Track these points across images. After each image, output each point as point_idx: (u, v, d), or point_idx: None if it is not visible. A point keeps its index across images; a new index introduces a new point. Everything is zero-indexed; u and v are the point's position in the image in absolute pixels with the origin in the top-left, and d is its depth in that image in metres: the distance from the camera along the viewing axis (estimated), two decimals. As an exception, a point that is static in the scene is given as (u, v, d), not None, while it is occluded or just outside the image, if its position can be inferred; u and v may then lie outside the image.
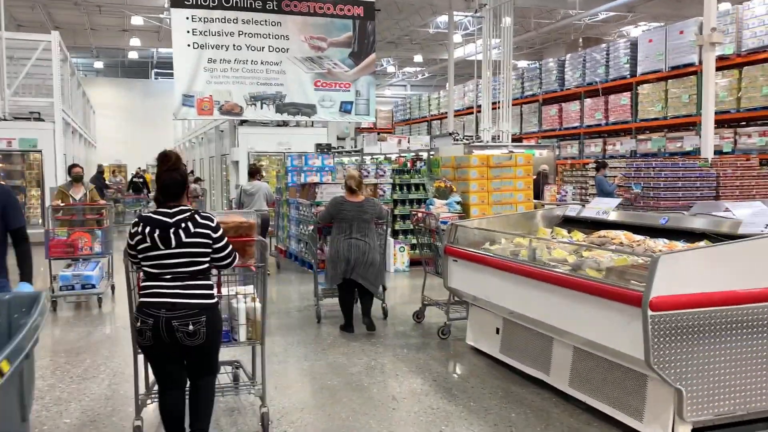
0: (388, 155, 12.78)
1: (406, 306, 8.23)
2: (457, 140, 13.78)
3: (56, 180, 14.81)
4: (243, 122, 16.62)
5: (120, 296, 8.71)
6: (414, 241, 10.98)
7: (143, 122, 34.11)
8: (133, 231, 3.52)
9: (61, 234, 8.05)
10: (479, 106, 23.89)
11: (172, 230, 3.45)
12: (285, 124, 17.01)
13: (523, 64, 29.21)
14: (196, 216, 3.54)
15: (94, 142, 30.81)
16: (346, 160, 12.17)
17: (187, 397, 3.76)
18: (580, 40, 23.59)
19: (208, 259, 3.58)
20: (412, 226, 8.78)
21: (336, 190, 10.02)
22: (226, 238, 3.65)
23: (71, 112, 18.91)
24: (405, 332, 6.92)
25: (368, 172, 10.85)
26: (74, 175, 9.10)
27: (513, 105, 18.82)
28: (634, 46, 18.21)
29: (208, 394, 3.71)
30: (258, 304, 4.15)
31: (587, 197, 15.89)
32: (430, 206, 7.00)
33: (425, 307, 7.27)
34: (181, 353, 3.55)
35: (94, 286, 8.15)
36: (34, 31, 19.63)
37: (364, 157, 12.89)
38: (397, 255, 10.68)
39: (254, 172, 11.34)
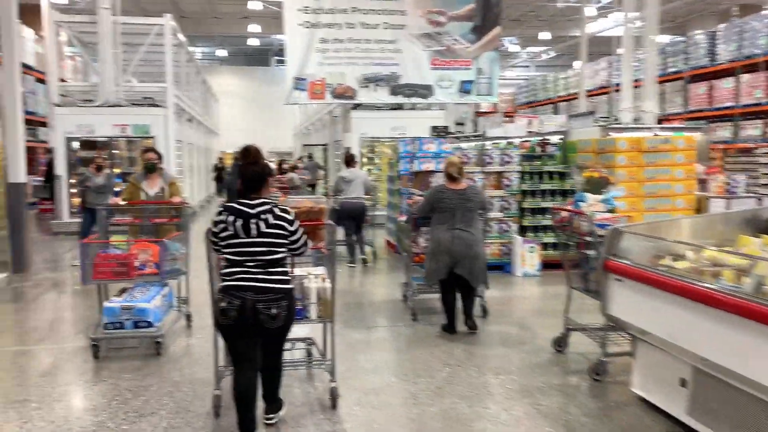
0: (512, 139, 11.06)
1: (539, 323, 6.62)
2: (602, 120, 11.79)
3: (168, 166, 14.35)
4: (356, 107, 15.46)
5: (199, 329, 6.27)
6: (546, 239, 9.26)
7: (264, 110, 34.18)
8: (218, 219, 3.73)
9: (119, 246, 5.69)
10: (616, 85, 21.44)
11: (252, 221, 3.66)
12: (399, 107, 15.66)
13: (663, 39, 26.02)
14: (275, 209, 3.73)
15: (216, 130, 31.13)
16: (465, 145, 10.60)
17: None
18: (734, 8, 20.44)
19: (284, 249, 3.79)
20: (553, 226, 7.13)
21: (455, 180, 8.56)
22: (300, 230, 3.84)
23: (188, 99, 18.61)
24: (541, 365, 5.32)
25: (491, 159, 9.22)
26: (146, 162, 6.63)
27: (635, 87, 16.57)
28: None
29: (278, 367, 4.01)
30: (328, 285, 4.32)
31: (761, 188, 13.30)
32: (580, 203, 5.33)
33: (569, 332, 5.62)
34: (259, 333, 3.75)
35: (150, 324, 5.47)
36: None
37: (485, 142, 11.25)
38: (526, 256, 9.00)
39: (350, 160, 10.51)
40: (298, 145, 29.16)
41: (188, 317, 6.42)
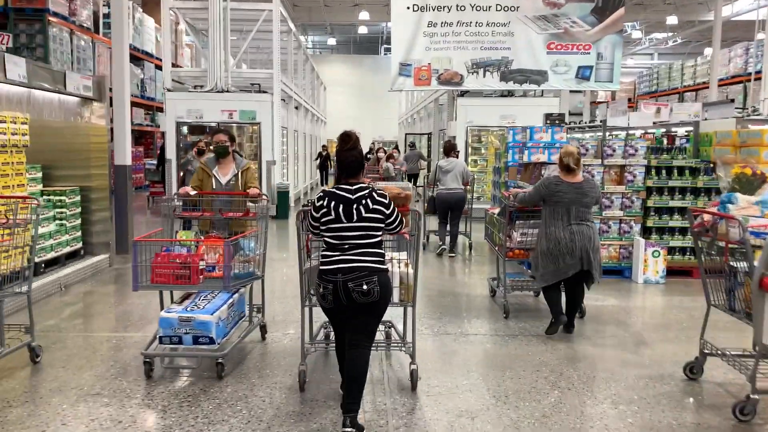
0: (633, 130, 9.92)
1: (663, 340, 5.72)
2: (737, 111, 10.35)
3: (272, 152, 14.31)
4: (463, 93, 14.72)
5: (276, 348, 5.37)
6: (673, 243, 8.20)
7: (371, 98, 34.02)
8: (318, 204, 3.77)
9: (185, 244, 4.76)
10: (757, 72, 19.40)
11: (354, 206, 3.70)
12: (510, 94, 14.76)
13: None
14: (374, 194, 3.77)
15: (323, 117, 31.29)
16: (579, 136, 9.62)
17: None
18: None
19: (380, 232, 3.84)
20: (692, 231, 6.24)
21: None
22: (396, 211, 3.88)
23: (295, 86, 18.58)
24: (670, 396, 4.46)
25: (612, 151, 8.24)
26: (217, 146, 5.51)
27: None
28: None
29: (359, 366, 3.76)
30: (410, 270, 4.39)
31: None
32: (729, 205, 4.40)
33: (705, 357, 4.71)
34: (357, 312, 3.76)
35: (212, 341, 4.56)
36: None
37: (605, 133, 10.19)
38: (649, 261, 7.98)
39: (449, 149, 10.10)
40: (402, 134, 28.74)
41: (263, 329, 5.56)
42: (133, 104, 20.15)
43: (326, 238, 3.78)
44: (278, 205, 14.15)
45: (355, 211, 3.69)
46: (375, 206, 3.73)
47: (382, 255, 3.83)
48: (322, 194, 3.80)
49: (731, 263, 4.33)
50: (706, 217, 4.59)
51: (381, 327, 4.89)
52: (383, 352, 5.14)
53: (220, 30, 13.88)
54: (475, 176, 11.15)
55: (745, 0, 25.49)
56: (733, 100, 11.68)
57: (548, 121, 9.94)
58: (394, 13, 14.13)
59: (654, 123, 9.35)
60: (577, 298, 5.82)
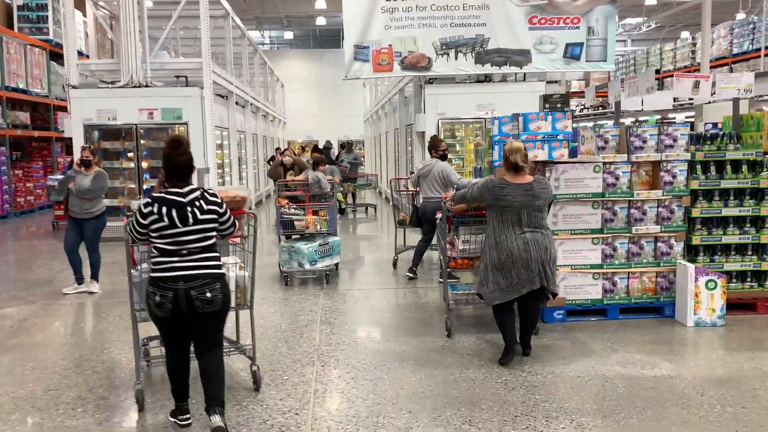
0: (660, 114, 7.59)
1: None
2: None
3: (205, 158, 11.67)
4: (431, 81, 12.23)
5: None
6: (730, 266, 5.83)
7: (333, 94, 31.39)
8: (146, 211, 3.61)
9: None
10: (756, 50, 17.41)
11: (188, 209, 3.60)
12: (487, 79, 12.31)
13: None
14: (206, 194, 3.70)
15: (282, 117, 28.60)
16: (590, 124, 7.23)
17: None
18: None
19: (215, 233, 3.77)
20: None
21: (584, 175, 5.34)
22: (229, 213, 3.84)
23: (239, 81, 15.91)
24: None
25: (643, 142, 5.82)
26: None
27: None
28: None
29: (216, 367, 3.75)
30: (245, 272, 4.39)
31: None
32: None
33: None
34: (196, 322, 3.66)
35: None
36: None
37: (626, 120, 7.82)
38: (702, 295, 5.58)
39: (431, 147, 7.80)
40: (369, 132, 26.19)
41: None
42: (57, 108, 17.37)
43: (160, 245, 3.63)
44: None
45: (189, 215, 3.61)
46: (209, 207, 3.68)
47: (219, 258, 3.79)
48: (149, 200, 3.64)
49: None
50: None
51: None
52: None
53: (133, 11, 11.20)
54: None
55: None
56: None
57: (547, 106, 7.57)
58: (344, -14, 11.60)
59: (696, 99, 6.99)
60: (533, 317, 5.03)
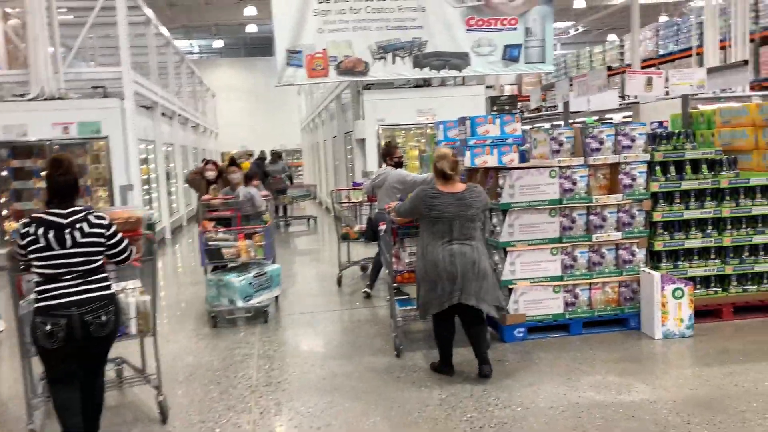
0: (597, 115, 7.28)
1: None
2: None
3: (127, 175, 10.75)
4: (369, 86, 11.69)
5: None
6: (694, 271, 5.50)
7: (268, 104, 30.43)
8: (23, 231, 3.41)
9: None
10: (689, 50, 17.68)
11: (67, 231, 3.41)
12: (426, 84, 11.86)
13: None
14: (90, 216, 3.50)
15: (214, 129, 27.50)
16: (543, 126, 6.82)
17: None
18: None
19: (101, 256, 3.55)
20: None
21: (539, 181, 4.89)
22: (120, 234, 3.63)
23: (164, 91, 14.96)
24: None
25: (600, 143, 5.42)
26: None
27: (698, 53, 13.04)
28: None
29: (101, 395, 3.72)
30: (147, 297, 4.13)
31: None
32: None
33: None
34: (88, 348, 3.49)
35: None
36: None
37: (571, 119, 7.46)
38: (669, 304, 5.20)
39: (386, 154, 7.22)
40: (307, 141, 25.48)
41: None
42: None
43: (41, 270, 3.39)
44: (141, 242, 10.58)
45: (68, 237, 3.38)
46: (92, 230, 3.46)
47: (108, 279, 3.59)
48: (28, 220, 3.45)
49: None
50: None
51: (110, 365, 4.35)
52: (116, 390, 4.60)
53: (41, 17, 10.20)
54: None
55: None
56: (746, 62, 9.28)
57: (495, 108, 7.13)
58: (274, -12, 10.92)
59: (649, 95, 6.68)
60: (476, 334, 4.63)
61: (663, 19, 24.30)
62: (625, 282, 5.52)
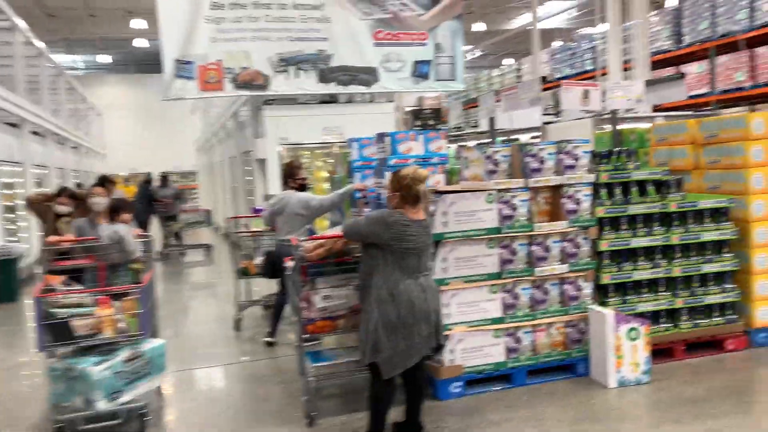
0: (531, 131, 6.64)
1: None
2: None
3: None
4: (270, 101, 10.59)
5: None
6: (644, 304, 4.86)
7: (161, 122, 28.41)
8: None
9: None
10: (583, 73, 17.93)
11: None
12: (333, 100, 10.91)
13: (601, 28, 22.67)
14: None
15: (100, 150, 25.23)
16: (471, 144, 6.06)
17: None
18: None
19: None
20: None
21: (475, 206, 4.04)
22: None
23: (35, 107, 13.10)
24: None
25: (541, 163, 4.67)
26: None
27: (603, 74, 13.18)
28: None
29: None
30: None
31: None
32: None
33: None
34: None
35: None
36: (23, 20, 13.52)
37: (497, 139, 6.72)
38: (624, 347, 4.48)
39: (287, 175, 6.14)
40: (203, 162, 23.80)
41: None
42: None
43: None
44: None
45: None
46: None
47: None
48: None
49: None
50: None
51: None
52: None
53: None
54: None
55: (544, 9, 24.62)
56: (682, 75, 8.95)
57: (418, 123, 6.31)
58: (160, -9, 9.65)
59: (586, 110, 6.05)
60: (421, 383, 3.90)
61: (557, 44, 24.95)
62: (572, 321, 4.76)
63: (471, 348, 4.53)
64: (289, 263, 4.47)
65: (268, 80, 9.93)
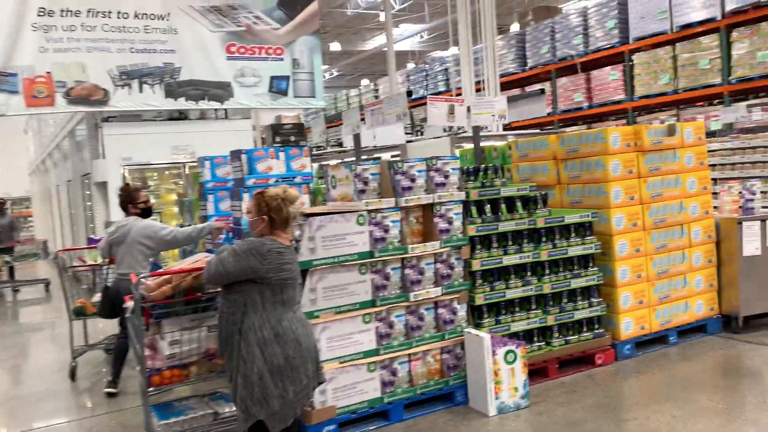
0: (392, 149, 6.41)
1: None
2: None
3: None
4: (109, 118, 9.53)
5: None
6: (517, 324, 4.72)
7: (-15, 144, 25.23)
8: None
9: None
10: (438, 93, 18.42)
11: None
12: (182, 116, 10.07)
13: (452, 51, 23.60)
14: None
15: None
16: (334, 162, 5.66)
17: None
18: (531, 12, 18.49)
19: None
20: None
21: (346, 229, 3.63)
22: None
23: None
24: None
25: (412, 181, 4.37)
26: None
27: (457, 94, 13.59)
28: (623, 6, 12.67)
29: None
30: None
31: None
32: None
33: None
34: None
35: None
36: None
37: (361, 156, 6.38)
38: (502, 371, 4.27)
39: (126, 201, 5.39)
40: (37, 187, 21.40)
41: None
42: None
43: None
44: None
45: None
46: None
47: None
48: None
49: None
50: None
51: None
52: None
53: None
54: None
55: (398, 30, 25.16)
56: (543, 90, 9.09)
57: (278, 139, 5.83)
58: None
59: (447, 124, 5.88)
60: None
61: (410, 65, 25.59)
62: (448, 347, 4.49)
63: (344, 386, 4.09)
64: (129, 303, 3.78)
65: (108, 95, 8.95)
